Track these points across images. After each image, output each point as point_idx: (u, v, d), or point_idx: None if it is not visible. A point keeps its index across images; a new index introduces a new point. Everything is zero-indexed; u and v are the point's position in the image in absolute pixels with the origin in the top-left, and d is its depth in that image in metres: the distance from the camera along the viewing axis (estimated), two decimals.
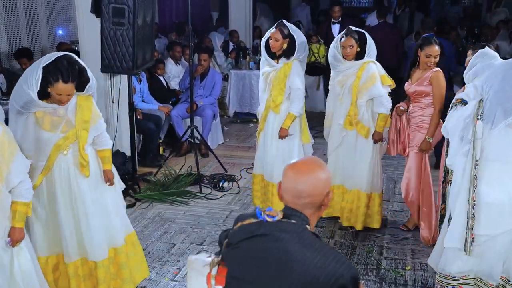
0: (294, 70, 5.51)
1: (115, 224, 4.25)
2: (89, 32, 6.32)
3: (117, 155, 6.59)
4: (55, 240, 4.07)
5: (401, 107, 5.39)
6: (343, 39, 5.41)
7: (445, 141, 4.63)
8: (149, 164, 7.51)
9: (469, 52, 4.99)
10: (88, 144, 3.98)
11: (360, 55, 5.40)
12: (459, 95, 4.49)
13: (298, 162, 2.57)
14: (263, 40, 5.67)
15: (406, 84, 5.46)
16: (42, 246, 4.04)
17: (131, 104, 6.86)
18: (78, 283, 4.11)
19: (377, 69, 5.39)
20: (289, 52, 5.50)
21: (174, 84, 8.95)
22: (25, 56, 7.98)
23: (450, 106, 4.56)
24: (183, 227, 5.92)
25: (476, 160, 3.70)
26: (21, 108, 3.71)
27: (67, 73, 3.69)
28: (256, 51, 10.34)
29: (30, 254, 3.60)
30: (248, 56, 10.40)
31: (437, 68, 5.27)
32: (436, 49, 5.22)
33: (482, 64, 4.34)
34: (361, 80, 5.37)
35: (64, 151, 3.86)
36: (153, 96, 8.33)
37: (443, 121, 4.86)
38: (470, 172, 3.73)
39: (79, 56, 6.59)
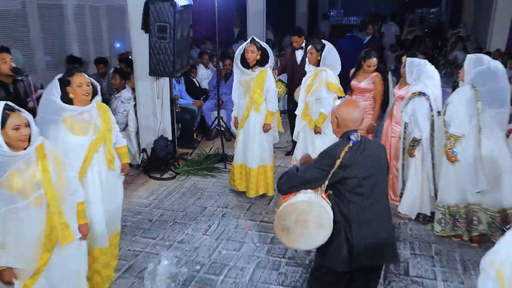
0: (269, 76, 5.35)
1: (118, 207, 4.03)
2: (139, 44, 6.28)
3: (161, 139, 6.60)
4: None
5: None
6: (309, 47, 5.39)
7: (402, 124, 5.00)
8: (186, 146, 7.48)
9: (404, 58, 5.23)
10: (112, 142, 3.76)
11: (319, 63, 5.30)
12: (413, 89, 4.80)
13: (346, 101, 3.07)
14: (238, 54, 5.38)
15: (352, 82, 5.82)
16: None
17: (172, 100, 6.93)
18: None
19: (326, 76, 5.24)
20: (262, 61, 5.33)
21: (205, 84, 8.92)
22: (102, 62, 7.99)
23: (408, 98, 4.64)
24: (212, 194, 5.92)
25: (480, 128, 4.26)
26: (51, 116, 3.38)
27: (77, 68, 3.63)
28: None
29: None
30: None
31: (377, 73, 5.69)
32: (374, 60, 5.64)
33: (418, 68, 4.80)
34: (313, 83, 5.30)
35: (97, 150, 3.62)
36: (189, 94, 8.32)
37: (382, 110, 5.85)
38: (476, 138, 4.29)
39: (132, 63, 6.66)
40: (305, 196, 2.83)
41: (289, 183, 2.93)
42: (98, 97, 3.65)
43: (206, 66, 9.19)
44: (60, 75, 3.49)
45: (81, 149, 3.51)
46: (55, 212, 2.76)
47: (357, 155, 2.82)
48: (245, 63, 5.35)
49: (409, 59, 4.95)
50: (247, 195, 5.68)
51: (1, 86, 4.46)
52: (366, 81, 5.67)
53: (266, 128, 5.44)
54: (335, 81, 5.28)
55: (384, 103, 5.80)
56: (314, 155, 5.35)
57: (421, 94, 4.69)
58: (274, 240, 4.79)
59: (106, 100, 7.51)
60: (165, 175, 6.49)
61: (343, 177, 2.81)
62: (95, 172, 3.64)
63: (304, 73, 5.52)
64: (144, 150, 6.75)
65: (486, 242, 4.52)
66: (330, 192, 2.90)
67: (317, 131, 5.39)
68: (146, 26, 6.02)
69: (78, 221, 3.05)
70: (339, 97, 5.18)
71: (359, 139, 2.85)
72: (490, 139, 4.31)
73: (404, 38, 12.87)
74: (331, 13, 20.26)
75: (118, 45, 9.66)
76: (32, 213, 2.71)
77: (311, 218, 2.79)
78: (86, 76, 3.55)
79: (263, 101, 5.37)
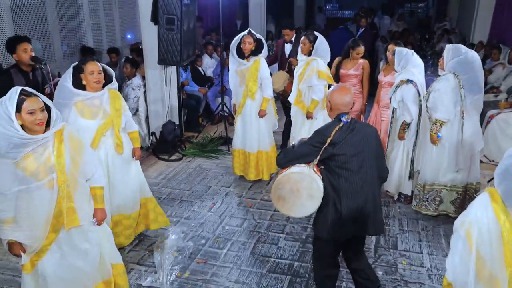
0: (263, 65, 5.23)
1: (135, 189, 4.03)
2: (149, 35, 6.26)
3: (169, 123, 6.61)
4: None
5: None
6: (302, 38, 5.38)
7: (391, 109, 5.05)
8: (192, 130, 7.48)
9: (390, 46, 5.30)
10: (121, 128, 3.74)
11: (311, 53, 5.31)
12: (401, 77, 4.80)
13: (339, 87, 3.11)
14: (234, 44, 5.25)
15: (341, 70, 5.78)
16: None
17: (179, 87, 6.92)
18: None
19: (317, 65, 5.25)
20: (256, 51, 5.21)
21: (209, 73, 8.87)
22: (114, 52, 7.95)
23: (396, 85, 4.67)
24: (216, 174, 5.94)
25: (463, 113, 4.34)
26: (63, 100, 3.43)
27: (91, 57, 3.58)
28: (268, 49, 10.13)
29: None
30: (269, 51, 10.17)
31: (364, 59, 5.74)
32: (361, 48, 5.67)
33: (406, 57, 4.80)
34: (305, 72, 5.31)
35: (104, 134, 3.64)
36: (194, 82, 8.27)
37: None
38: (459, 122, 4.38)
39: (142, 53, 6.64)
40: (298, 168, 2.93)
41: (286, 158, 3.04)
42: (113, 85, 3.65)
43: (211, 56, 9.15)
44: (75, 63, 3.50)
45: (89, 132, 3.53)
46: (64, 196, 2.69)
47: (346, 134, 2.91)
48: (240, 53, 5.25)
49: (398, 48, 4.94)
50: (247, 178, 5.61)
51: (21, 73, 4.50)
52: (355, 68, 5.70)
53: (261, 114, 5.33)
54: (325, 69, 5.31)
55: (372, 87, 5.96)
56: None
57: (409, 81, 4.70)
58: (273, 217, 4.82)
59: (118, 87, 7.53)
60: (173, 157, 6.50)
61: (333, 153, 2.90)
62: (101, 155, 3.67)
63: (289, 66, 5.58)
64: (153, 134, 6.77)
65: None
66: (322, 166, 2.98)
67: (309, 116, 5.42)
68: (155, 18, 5.99)
69: (94, 205, 2.94)
70: (329, 85, 5.24)
71: (349, 120, 2.95)
72: (469, 122, 4.40)
73: (394, 30, 12.77)
74: (327, 7, 20.08)
75: (129, 36, 9.61)
76: (43, 194, 2.65)
77: (302, 189, 2.89)
78: (99, 64, 3.54)
79: (258, 89, 5.27)
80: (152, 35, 6.17)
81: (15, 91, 2.55)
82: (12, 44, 4.47)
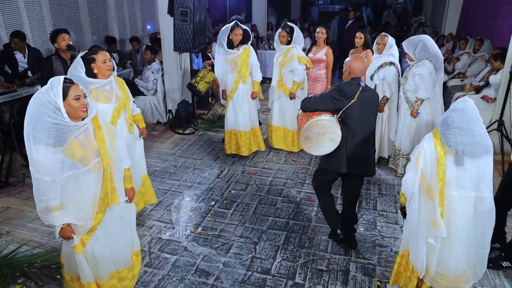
0: (252, 52, 5.03)
1: (140, 166, 3.78)
2: (166, 26, 6.11)
3: (183, 102, 6.50)
4: None
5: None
6: (279, 31, 5.22)
7: (372, 86, 4.91)
8: (203, 108, 7.37)
9: (381, 35, 5.02)
10: (131, 109, 3.51)
11: (289, 42, 5.18)
12: (384, 59, 4.78)
13: (356, 57, 3.17)
14: (223, 36, 4.93)
15: (309, 55, 5.47)
16: None
17: (191, 71, 6.79)
18: None
19: (297, 52, 5.15)
20: (244, 41, 4.96)
21: None
22: (136, 40, 7.81)
23: (379, 66, 4.69)
24: (223, 146, 5.85)
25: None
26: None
27: (99, 47, 3.28)
28: (268, 38, 10.03)
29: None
30: (263, 41, 10.04)
31: (328, 46, 5.50)
32: (323, 31, 5.44)
33: (391, 44, 4.77)
34: (286, 58, 5.17)
35: (119, 115, 3.40)
36: None
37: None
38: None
39: (160, 41, 6.51)
40: (327, 117, 3.08)
41: (311, 103, 3.17)
42: (114, 72, 3.40)
43: None
44: (82, 54, 3.20)
45: (107, 114, 3.28)
46: (108, 177, 2.50)
47: (361, 94, 3.09)
48: (230, 44, 4.96)
49: (390, 38, 4.88)
50: (241, 155, 5.33)
51: (60, 59, 4.47)
52: (320, 53, 5.47)
53: (254, 96, 5.14)
54: (303, 55, 5.25)
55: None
56: (290, 117, 5.44)
57: (392, 63, 4.76)
58: (272, 182, 4.78)
59: (140, 71, 7.43)
60: (187, 131, 6.41)
61: (349, 108, 3.09)
62: (122, 134, 3.43)
63: None
64: (169, 111, 6.67)
65: None
66: (338, 116, 3.15)
67: (292, 97, 5.29)
68: (171, 11, 5.86)
69: (124, 185, 2.73)
70: (307, 67, 5.28)
71: (364, 84, 3.15)
72: (439, 103, 4.49)
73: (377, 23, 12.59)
74: (319, 1, 19.62)
75: (148, 26, 9.45)
76: (90, 178, 2.44)
77: (328, 133, 3.05)
78: (107, 53, 3.30)
79: (249, 74, 5.06)
80: (168, 25, 6.02)
81: (57, 81, 2.31)
82: (54, 35, 4.47)
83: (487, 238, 2.46)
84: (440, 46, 9.24)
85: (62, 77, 2.34)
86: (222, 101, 5.37)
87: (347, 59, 3.24)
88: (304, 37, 10.50)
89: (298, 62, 5.15)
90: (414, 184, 2.49)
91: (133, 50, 7.89)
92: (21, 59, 5.47)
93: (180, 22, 5.78)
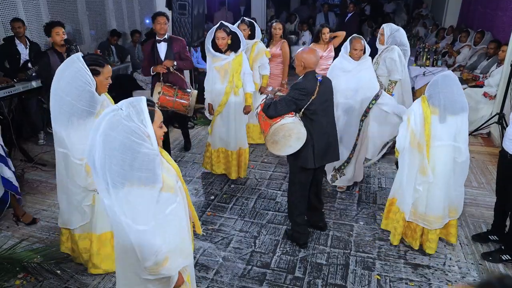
0: (245, 59, 4.30)
1: None
2: None
3: None
4: None
5: None
6: (240, 25, 5.06)
7: None
8: (202, 102, 7.27)
9: (381, 30, 5.09)
10: None
11: (251, 37, 5.15)
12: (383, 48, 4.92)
13: (308, 49, 3.20)
14: (208, 40, 4.22)
15: (268, 49, 5.34)
16: None
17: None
18: None
19: (262, 47, 5.17)
20: (234, 46, 4.21)
21: None
22: (137, 33, 7.83)
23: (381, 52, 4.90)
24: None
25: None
26: (89, 108, 2.63)
27: (105, 59, 2.84)
28: (267, 31, 10.00)
29: None
30: (262, 34, 10.00)
31: (284, 40, 5.42)
32: (280, 26, 5.42)
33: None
34: (254, 53, 5.13)
35: None
36: (204, 60, 8.10)
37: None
38: None
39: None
40: (291, 119, 3.13)
41: (276, 111, 3.14)
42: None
43: None
44: (81, 54, 2.71)
45: None
46: (189, 200, 2.06)
47: (320, 88, 3.12)
48: (217, 49, 4.23)
49: (388, 28, 4.94)
50: (230, 177, 4.71)
51: (56, 54, 4.46)
52: (275, 48, 5.39)
53: (247, 110, 4.43)
54: (267, 49, 5.25)
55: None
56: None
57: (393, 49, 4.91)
58: (272, 176, 4.78)
59: (138, 65, 7.40)
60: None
61: (311, 104, 3.13)
62: None
63: None
64: None
65: None
66: (301, 114, 3.19)
67: (262, 91, 5.08)
68: (169, 4, 5.84)
69: None
70: (269, 59, 5.25)
71: (321, 78, 3.14)
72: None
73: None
74: None
75: (147, 20, 9.40)
76: (183, 207, 1.96)
77: (293, 134, 3.13)
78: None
79: (241, 84, 4.36)
80: None
81: (140, 102, 1.73)
82: (48, 28, 4.44)
83: (462, 180, 3.23)
84: (441, 38, 9.22)
85: (144, 99, 1.77)
86: (209, 116, 4.70)
87: (298, 51, 3.21)
88: (304, 30, 10.50)
89: (265, 56, 5.17)
90: (405, 139, 3.18)
91: (133, 43, 7.92)
92: (23, 51, 5.44)
93: (178, 15, 5.76)
